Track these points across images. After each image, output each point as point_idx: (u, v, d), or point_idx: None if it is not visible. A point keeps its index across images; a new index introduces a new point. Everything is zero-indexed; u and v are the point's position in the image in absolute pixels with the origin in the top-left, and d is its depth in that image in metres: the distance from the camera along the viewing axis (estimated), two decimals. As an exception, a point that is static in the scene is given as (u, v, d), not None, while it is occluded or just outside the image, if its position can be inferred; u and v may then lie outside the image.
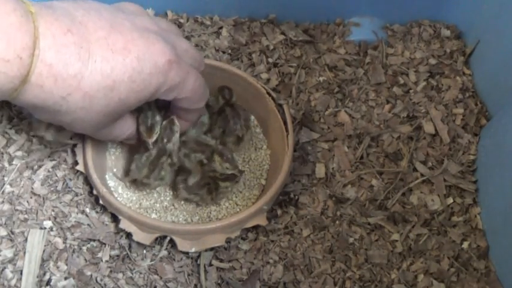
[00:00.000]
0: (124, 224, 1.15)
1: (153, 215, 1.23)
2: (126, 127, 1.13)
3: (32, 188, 1.20)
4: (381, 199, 1.25)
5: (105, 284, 1.12)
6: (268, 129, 1.35)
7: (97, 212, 1.20)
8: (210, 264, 1.16)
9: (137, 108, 1.12)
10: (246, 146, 1.32)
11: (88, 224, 1.18)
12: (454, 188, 1.27)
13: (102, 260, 1.15)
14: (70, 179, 1.23)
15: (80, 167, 1.21)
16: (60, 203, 1.20)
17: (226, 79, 1.36)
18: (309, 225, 1.21)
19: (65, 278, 1.12)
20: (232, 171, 1.20)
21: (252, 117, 1.38)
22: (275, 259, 1.17)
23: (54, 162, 1.24)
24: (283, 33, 1.49)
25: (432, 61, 1.45)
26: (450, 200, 1.25)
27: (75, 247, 1.15)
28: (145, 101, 1.03)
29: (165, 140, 1.18)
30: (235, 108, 1.29)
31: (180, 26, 1.48)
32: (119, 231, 1.18)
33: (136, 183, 1.25)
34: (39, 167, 1.23)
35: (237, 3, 1.49)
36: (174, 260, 1.16)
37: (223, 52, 1.45)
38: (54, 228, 1.17)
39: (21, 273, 1.11)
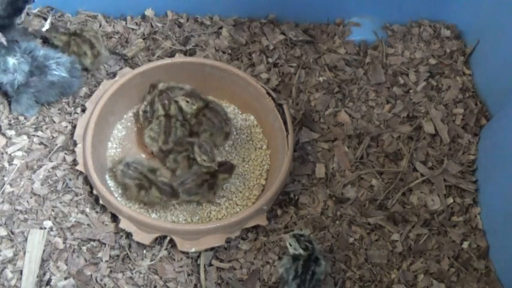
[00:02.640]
0: (124, 224, 1.16)
1: (153, 215, 1.23)
2: None
3: (32, 188, 1.20)
4: (380, 199, 1.25)
5: (105, 284, 1.12)
6: (268, 129, 1.35)
7: (97, 212, 1.20)
8: (210, 264, 1.16)
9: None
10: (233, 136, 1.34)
11: (88, 224, 1.18)
12: (454, 188, 1.27)
13: (102, 260, 1.15)
14: (70, 179, 1.22)
15: (80, 167, 1.21)
16: (60, 203, 1.20)
17: (226, 79, 1.36)
18: (309, 225, 1.21)
19: (65, 278, 1.12)
20: (209, 164, 1.21)
21: (252, 117, 1.38)
22: (275, 259, 1.17)
23: (54, 162, 1.24)
24: (283, 33, 1.49)
25: (432, 61, 1.45)
26: (450, 200, 1.25)
27: (75, 247, 1.15)
28: None
29: (166, 103, 1.26)
30: (212, 107, 1.30)
31: (180, 26, 1.48)
32: (119, 231, 1.18)
33: (158, 155, 1.28)
34: (39, 167, 1.23)
35: (237, 3, 1.49)
36: (174, 260, 1.16)
37: (223, 52, 1.45)
38: (54, 228, 1.17)
39: (21, 273, 1.11)
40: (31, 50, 1.27)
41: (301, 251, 1.07)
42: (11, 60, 1.23)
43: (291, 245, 1.08)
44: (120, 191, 1.25)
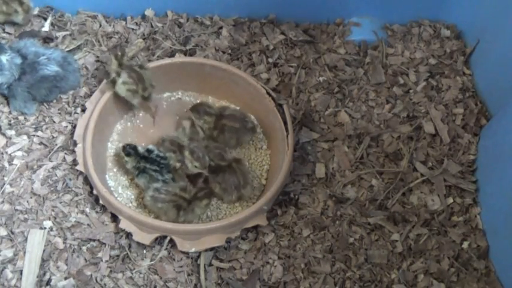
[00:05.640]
0: (124, 224, 1.16)
1: (153, 215, 1.23)
2: None
3: (32, 188, 1.21)
4: (380, 199, 1.25)
5: (105, 284, 1.12)
6: (268, 129, 1.35)
7: (97, 212, 1.20)
8: (210, 264, 1.16)
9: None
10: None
11: (88, 224, 1.18)
12: (454, 188, 1.27)
13: (102, 260, 1.15)
14: (70, 179, 1.23)
15: (80, 167, 1.21)
16: (60, 203, 1.20)
17: (226, 79, 1.36)
18: (309, 225, 1.21)
19: (65, 278, 1.12)
20: (200, 170, 1.21)
21: (252, 117, 1.38)
22: (275, 259, 1.17)
23: (54, 162, 1.24)
24: (283, 33, 1.49)
25: (432, 61, 1.45)
26: (450, 200, 1.25)
27: (75, 247, 1.15)
28: None
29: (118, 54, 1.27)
30: (228, 114, 1.29)
31: (180, 26, 1.48)
32: (119, 231, 1.18)
33: (143, 106, 1.29)
34: (39, 167, 1.23)
35: (237, 3, 1.49)
36: (174, 260, 1.16)
37: (223, 52, 1.45)
38: (54, 228, 1.17)
39: (21, 273, 1.11)
40: (19, 49, 1.28)
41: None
42: (4, 58, 1.24)
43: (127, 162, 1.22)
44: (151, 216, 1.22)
